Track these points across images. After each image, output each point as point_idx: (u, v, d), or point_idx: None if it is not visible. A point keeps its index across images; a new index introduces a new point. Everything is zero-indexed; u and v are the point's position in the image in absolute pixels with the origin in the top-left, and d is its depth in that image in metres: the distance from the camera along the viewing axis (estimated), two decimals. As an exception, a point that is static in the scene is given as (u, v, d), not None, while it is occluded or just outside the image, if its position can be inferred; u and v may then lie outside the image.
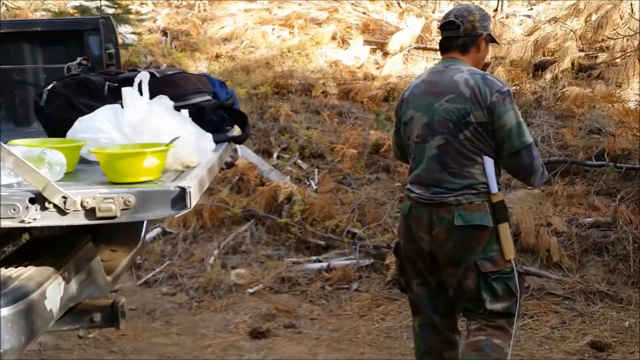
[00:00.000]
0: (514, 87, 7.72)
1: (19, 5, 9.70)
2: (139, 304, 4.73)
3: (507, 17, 11.07)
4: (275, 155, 6.66)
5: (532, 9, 11.93)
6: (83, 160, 1.85)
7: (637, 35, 7.57)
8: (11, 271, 1.74)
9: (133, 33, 9.03)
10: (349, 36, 10.07)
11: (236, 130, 2.50)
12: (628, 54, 7.97)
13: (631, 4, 8.32)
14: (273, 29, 10.32)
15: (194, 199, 1.45)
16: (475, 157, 2.62)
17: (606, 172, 5.76)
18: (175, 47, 9.53)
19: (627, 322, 4.11)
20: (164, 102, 1.93)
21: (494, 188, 2.64)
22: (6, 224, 1.45)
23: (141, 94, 1.91)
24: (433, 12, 12.42)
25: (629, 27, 7.92)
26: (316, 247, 5.34)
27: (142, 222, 2.46)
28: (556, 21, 9.30)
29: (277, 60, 9.17)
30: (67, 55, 2.75)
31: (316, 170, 6.43)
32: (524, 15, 11.28)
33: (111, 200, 1.44)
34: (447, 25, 2.74)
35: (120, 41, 8.84)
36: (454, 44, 2.73)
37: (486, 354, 2.61)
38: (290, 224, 5.47)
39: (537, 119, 6.84)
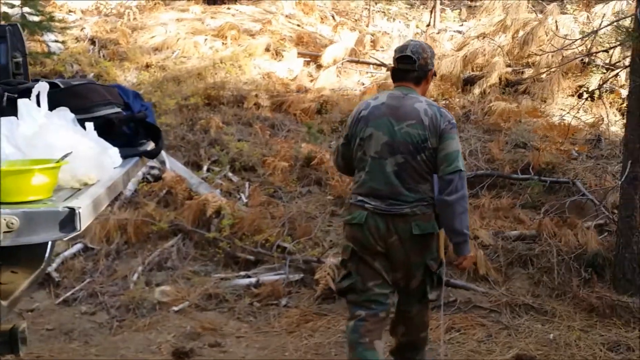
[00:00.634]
0: (444, 102, 7.83)
1: None
2: (57, 323, 4.49)
3: (438, 33, 11.29)
4: (205, 167, 6.51)
5: (463, 24, 12.20)
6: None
7: (561, 51, 7.82)
8: None
9: (56, 41, 8.70)
10: (283, 48, 10.02)
11: (151, 145, 2.37)
12: (552, 70, 8.22)
13: (555, 20, 8.62)
14: (205, 39, 10.17)
15: (84, 221, 1.34)
16: (427, 177, 3.04)
17: (531, 186, 5.90)
18: (103, 56, 9.24)
19: (551, 335, 4.17)
20: (64, 114, 1.79)
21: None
22: None
23: (39, 105, 1.78)
24: (367, 25, 12.53)
25: (552, 44, 8.18)
26: (245, 262, 5.22)
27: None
28: (484, 37, 9.53)
29: (209, 71, 9.02)
30: (-29, 64, 2.56)
31: (247, 183, 6.32)
32: (455, 31, 11.52)
33: (-8, 222, 1.31)
34: (404, 59, 3.12)
35: (42, 50, 8.57)
36: (409, 75, 3.12)
37: (419, 346, 3.33)
38: (218, 239, 5.34)
39: (465, 133, 6.95)
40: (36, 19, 7.70)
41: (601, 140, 6.93)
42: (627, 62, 8.48)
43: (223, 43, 10.08)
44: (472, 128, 7.15)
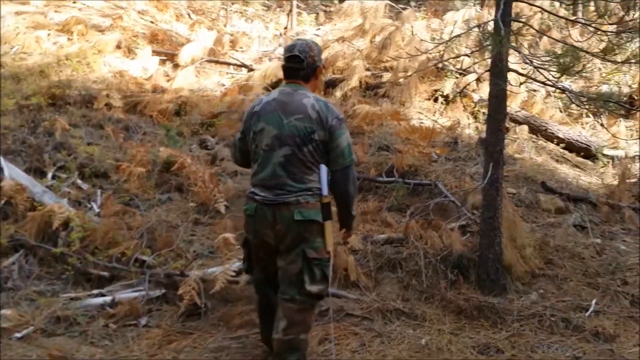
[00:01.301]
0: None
1: None
2: None
3: (297, 35, 11.23)
4: (50, 175, 5.86)
5: (319, 28, 12.27)
6: None
7: (418, 56, 8.00)
8: None
9: None
10: (136, 45, 9.44)
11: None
12: (409, 75, 8.41)
13: (411, 26, 8.84)
14: (49, 34, 9.33)
15: None
16: (313, 167, 3.21)
17: (396, 188, 5.92)
18: None
19: (423, 340, 4.13)
20: None
21: (325, 192, 3.24)
22: None
23: None
24: (225, 25, 12.21)
25: (406, 52, 8.37)
26: (98, 279, 4.70)
27: None
28: (344, 40, 9.59)
29: (53, 68, 8.24)
30: None
31: (99, 191, 5.77)
32: (313, 34, 11.53)
33: None
34: (293, 59, 3.31)
35: None
36: (298, 73, 3.31)
37: (294, 348, 3.28)
38: (67, 254, 4.77)
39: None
40: None
41: (458, 142, 7.15)
42: (477, 67, 8.93)
43: (69, 39, 9.30)
44: (335, 131, 7.09)
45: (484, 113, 8.21)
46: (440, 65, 8.46)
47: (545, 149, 8.06)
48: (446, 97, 8.46)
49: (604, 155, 7.94)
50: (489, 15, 9.51)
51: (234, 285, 4.57)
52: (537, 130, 8.24)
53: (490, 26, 4.26)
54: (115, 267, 4.74)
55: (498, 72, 4.41)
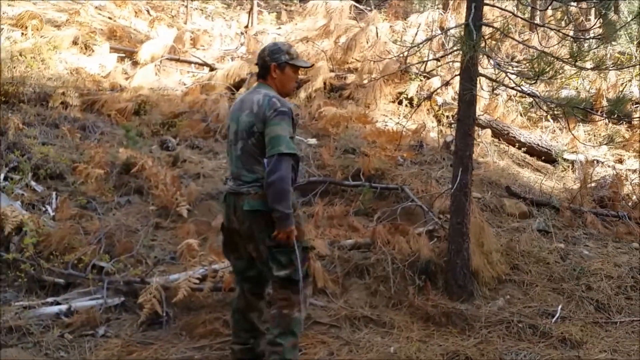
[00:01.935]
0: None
1: None
2: None
3: (255, 35, 11.08)
4: (2, 176, 5.59)
5: (280, 27, 12.14)
6: None
7: (383, 59, 7.96)
8: None
9: None
10: (93, 42, 9.14)
11: None
12: (374, 77, 8.35)
13: (376, 28, 8.79)
14: (2, 28, 8.94)
15: None
16: (259, 158, 3.36)
17: (363, 192, 5.83)
18: None
19: (392, 348, 4.05)
20: None
21: None
22: None
23: None
24: (185, 22, 11.95)
25: (374, 54, 8.33)
26: (53, 286, 4.49)
27: None
28: (308, 41, 9.48)
29: (6, 64, 7.90)
30: None
31: (54, 193, 5.53)
32: (273, 33, 11.38)
33: None
34: (257, 60, 3.62)
35: None
36: (258, 73, 3.61)
37: (277, 323, 3.39)
38: (20, 260, 4.54)
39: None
40: None
41: (423, 146, 7.12)
42: (439, 71, 8.94)
43: (23, 34, 8.93)
44: (300, 133, 6.97)
45: (447, 117, 8.23)
46: (404, 68, 8.44)
47: (507, 152, 8.09)
48: (410, 100, 8.43)
49: (564, 159, 8.01)
50: (451, 18, 9.56)
51: (197, 292, 4.41)
52: (500, 134, 8.28)
53: (456, 30, 4.20)
54: (71, 273, 4.54)
55: (469, 77, 4.37)
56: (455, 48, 4.17)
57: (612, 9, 7.36)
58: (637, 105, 9.30)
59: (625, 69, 9.38)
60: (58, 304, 4.33)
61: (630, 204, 6.92)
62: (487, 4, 4.77)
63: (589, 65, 4.20)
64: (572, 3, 4.39)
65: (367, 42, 8.89)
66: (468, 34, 4.17)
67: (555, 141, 8.57)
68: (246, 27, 11.95)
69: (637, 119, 8.10)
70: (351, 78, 8.72)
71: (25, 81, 7.43)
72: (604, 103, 8.44)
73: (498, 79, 4.64)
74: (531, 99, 5.68)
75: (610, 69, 8.28)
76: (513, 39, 4.44)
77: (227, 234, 3.60)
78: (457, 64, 4.72)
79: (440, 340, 4.23)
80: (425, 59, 8.11)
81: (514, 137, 8.27)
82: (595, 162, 7.97)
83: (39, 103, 7.18)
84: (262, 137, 3.34)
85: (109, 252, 4.83)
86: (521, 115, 9.02)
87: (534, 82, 4.02)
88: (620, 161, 8.31)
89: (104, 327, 4.17)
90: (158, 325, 4.23)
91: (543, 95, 6.59)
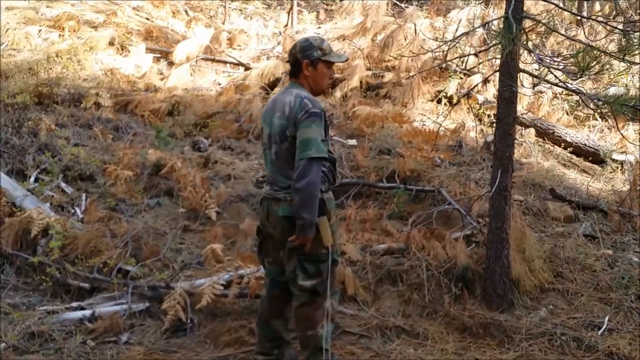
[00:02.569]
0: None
1: None
2: None
3: (297, 33, 10.93)
4: (33, 177, 5.57)
5: (320, 27, 11.98)
6: None
7: (420, 56, 7.70)
8: None
9: None
10: (129, 42, 9.14)
11: None
12: (412, 75, 8.10)
13: (414, 24, 8.53)
14: (40, 30, 9.04)
15: None
16: (293, 163, 3.15)
17: (397, 195, 5.60)
18: None
19: (425, 361, 3.83)
20: None
21: None
22: None
23: None
24: (223, 23, 11.90)
25: (410, 51, 8.06)
26: (79, 290, 4.41)
27: None
28: (344, 39, 9.29)
29: (42, 65, 7.95)
30: None
31: (84, 195, 5.47)
32: (313, 32, 11.22)
33: None
34: (288, 58, 3.44)
35: None
36: (290, 71, 3.42)
37: (304, 345, 3.30)
38: (46, 264, 4.48)
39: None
40: None
41: (462, 146, 6.84)
42: (481, 68, 8.62)
43: (60, 35, 9.02)
44: (336, 133, 6.78)
45: (489, 115, 7.91)
46: (443, 65, 8.15)
47: (552, 153, 7.73)
48: (450, 99, 8.14)
49: (612, 160, 7.61)
50: (493, 13, 9.22)
51: (223, 298, 4.27)
52: (544, 133, 7.92)
53: (496, 24, 3.94)
54: (96, 278, 4.45)
55: (508, 73, 4.10)
56: (494, 42, 3.89)
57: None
58: (691, 103, 8.80)
59: (679, 65, 8.87)
60: (82, 309, 4.23)
61: (683, 207, 6.50)
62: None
63: (639, 60, 3.88)
64: (622, -6, 4.14)
65: (405, 39, 8.63)
66: (507, 27, 3.92)
67: (603, 141, 8.15)
68: (285, 26, 11.83)
69: (692, 117, 7.62)
70: (388, 77, 8.49)
71: (60, 82, 7.45)
72: (656, 100, 7.98)
73: (540, 75, 4.35)
74: (578, 97, 5.37)
75: (663, 64, 7.81)
76: (556, 31, 4.14)
77: (262, 239, 3.49)
78: (498, 61, 4.44)
79: (477, 353, 3.98)
80: (466, 55, 7.80)
81: (560, 137, 7.89)
82: (645, 162, 7.55)
83: (73, 104, 7.20)
84: (295, 142, 3.17)
85: (135, 255, 4.74)
86: (567, 113, 8.63)
87: (578, 78, 3.74)
88: (673, 162, 7.86)
89: (127, 334, 4.05)
90: (182, 332, 4.09)
91: (590, 92, 6.25)
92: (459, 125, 7.30)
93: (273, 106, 3.33)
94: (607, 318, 4.49)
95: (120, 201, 5.45)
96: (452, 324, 4.30)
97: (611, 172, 7.48)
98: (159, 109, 7.45)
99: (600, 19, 3.89)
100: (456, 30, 8.91)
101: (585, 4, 9.46)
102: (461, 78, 8.40)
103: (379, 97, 8.15)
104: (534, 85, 5.13)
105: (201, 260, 4.76)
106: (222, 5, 12.69)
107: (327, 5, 14.84)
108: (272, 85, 8.43)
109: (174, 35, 10.10)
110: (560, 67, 3.90)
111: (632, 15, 10.18)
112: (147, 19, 10.53)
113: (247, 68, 9.24)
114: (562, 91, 8.33)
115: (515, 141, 7.40)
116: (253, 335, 3.91)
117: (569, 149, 7.80)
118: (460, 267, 4.67)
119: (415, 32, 8.65)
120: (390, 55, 8.69)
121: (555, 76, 4.14)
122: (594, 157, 7.74)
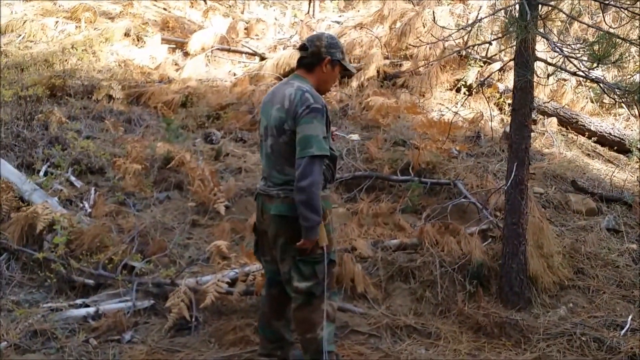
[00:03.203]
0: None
1: None
2: None
3: (317, 22, 10.75)
4: (42, 171, 5.52)
5: (342, 15, 11.77)
6: None
7: (440, 43, 7.49)
8: None
9: None
10: (145, 33, 9.06)
11: None
12: (430, 63, 7.90)
13: (433, 11, 8.29)
14: (57, 21, 9.01)
15: None
16: (290, 159, 3.04)
17: (412, 188, 5.43)
18: None
19: (436, 362, 3.69)
20: None
21: None
22: None
23: None
24: (242, 12, 11.77)
25: (431, 34, 7.82)
26: (83, 287, 4.34)
27: None
28: (362, 27, 9.09)
29: (57, 57, 7.91)
30: None
31: (93, 189, 5.40)
32: (333, 21, 11.04)
33: None
34: (300, 48, 3.28)
35: None
36: (301, 62, 3.25)
37: (305, 349, 3.21)
38: (50, 259, 4.41)
39: (342, 130, 6.40)
40: None
41: (481, 137, 6.64)
42: (502, 55, 8.36)
43: (77, 26, 8.97)
44: (350, 124, 6.63)
45: (509, 104, 7.67)
46: (463, 53, 7.92)
47: (575, 142, 7.48)
48: (469, 88, 7.91)
49: (639, 149, 7.33)
50: (516, -1, 8.94)
51: (228, 296, 4.16)
52: (567, 122, 7.67)
53: (516, 10, 3.75)
54: (101, 274, 4.37)
55: (523, 62, 3.91)
56: (509, 29, 3.70)
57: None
58: None
59: None
60: (86, 306, 4.16)
61: None
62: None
63: (663, 46, 3.66)
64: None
65: (424, 27, 8.39)
66: (521, 14, 3.72)
67: (629, 129, 7.87)
68: (307, 14, 11.64)
69: None
70: (406, 65, 8.28)
71: (74, 74, 7.40)
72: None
73: (558, 64, 4.14)
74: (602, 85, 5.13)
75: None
76: (573, 17, 3.93)
77: (258, 236, 3.37)
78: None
79: (492, 354, 3.83)
80: (485, 43, 7.55)
81: (583, 126, 7.63)
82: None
83: (86, 96, 7.14)
84: (293, 136, 3.04)
85: (142, 251, 4.65)
86: (592, 101, 8.34)
87: (595, 66, 3.54)
88: (701, 152, 7.54)
89: (131, 332, 3.97)
90: (187, 330, 4.00)
91: (614, 80, 5.99)
92: (477, 115, 7.08)
93: (272, 97, 3.21)
94: (630, 317, 4.30)
95: (129, 195, 5.37)
96: (465, 323, 4.15)
97: (637, 162, 7.21)
98: (172, 101, 7.36)
99: (620, 4, 3.66)
100: (477, 16, 8.65)
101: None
102: (481, 66, 8.16)
103: (396, 87, 7.95)
104: (549, 75, 4.91)
105: (209, 255, 4.66)
106: (241, -7, 12.55)
107: (349, -8, 14.61)
108: (287, 75, 8.22)
109: (190, 26, 9.99)
110: (579, 55, 3.69)
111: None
112: (165, 9, 10.44)
113: (262, 58, 9.10)
114: (586, 80, 8.04)
115: (537, 131, 7.23)
116: (258, 335, 3.81)
117: (593, 138, 7.54)
118: (475, 263, 4.51)
119: (434, 19, 8.41)
120: (408, 44, 8.47)
121: (574, 65, 3.93)
122: (619, 146, 7.48)
